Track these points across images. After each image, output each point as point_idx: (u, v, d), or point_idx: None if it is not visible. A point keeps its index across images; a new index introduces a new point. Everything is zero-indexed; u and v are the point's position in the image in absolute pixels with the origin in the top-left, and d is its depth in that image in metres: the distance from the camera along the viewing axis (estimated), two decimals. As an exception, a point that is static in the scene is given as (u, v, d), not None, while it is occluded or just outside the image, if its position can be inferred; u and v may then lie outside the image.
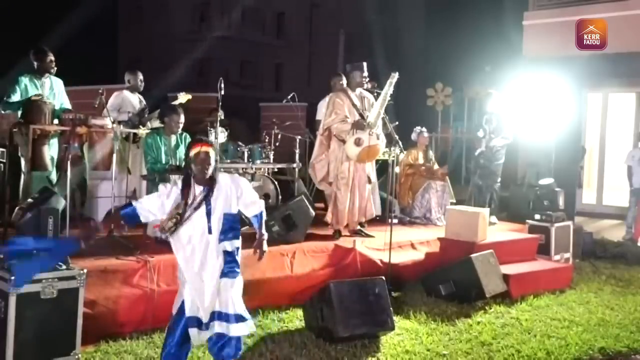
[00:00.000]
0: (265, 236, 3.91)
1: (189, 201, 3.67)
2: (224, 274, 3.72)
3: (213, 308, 3.67)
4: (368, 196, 7.12)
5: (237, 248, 3.83)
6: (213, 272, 3.70)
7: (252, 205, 3.87)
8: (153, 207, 3.70)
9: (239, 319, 3.68)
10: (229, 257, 3.75)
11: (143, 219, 3.74)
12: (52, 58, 6.35)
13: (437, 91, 16.55)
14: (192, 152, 3.73)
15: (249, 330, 3.77)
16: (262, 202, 3.94)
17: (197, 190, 3.74)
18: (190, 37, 30.68)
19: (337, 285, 4.95)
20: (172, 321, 3.77)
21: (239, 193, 3.81)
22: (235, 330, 3.67)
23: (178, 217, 3.64)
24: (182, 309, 3.71)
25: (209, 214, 3.71)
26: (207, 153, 3.73)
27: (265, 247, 3.89)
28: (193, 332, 3.66)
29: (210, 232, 3.71)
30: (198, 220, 3.70)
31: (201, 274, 3.69)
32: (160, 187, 3.84)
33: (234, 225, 3.80)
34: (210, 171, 3.74)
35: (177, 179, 3.88)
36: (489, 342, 5.05)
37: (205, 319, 3.66)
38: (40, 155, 6.00)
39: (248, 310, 3.78)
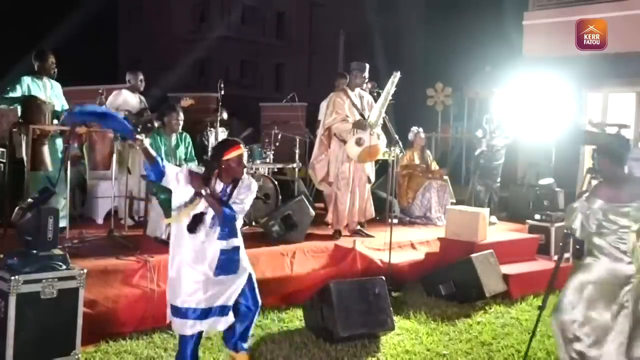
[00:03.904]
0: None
1: (203, 193, 3.78)
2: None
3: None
4: (368, 196, 7.13)
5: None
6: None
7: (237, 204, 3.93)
8: (172, 174, 3.80)
9: None
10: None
11: (163, 179, 3.79)
12: (53, 60, 6.34)
13: (437, 91, 16.52)
14: (235, 154, 3.85)
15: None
16: (243, 207, 3.94)
17: (219, 186, 3.88)
18: (190, 37, 30.66)
19: (337, 285, 4.94)
20: None
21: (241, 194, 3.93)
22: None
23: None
24: None
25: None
26: (243, 155, 3.91)
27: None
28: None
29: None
30: (209, 215, 3.83)
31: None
32: (183, 169, 3.91)
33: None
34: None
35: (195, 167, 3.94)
36: (489, 342, 5.05)
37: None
38: (39, 155, 5.99)
39: None
